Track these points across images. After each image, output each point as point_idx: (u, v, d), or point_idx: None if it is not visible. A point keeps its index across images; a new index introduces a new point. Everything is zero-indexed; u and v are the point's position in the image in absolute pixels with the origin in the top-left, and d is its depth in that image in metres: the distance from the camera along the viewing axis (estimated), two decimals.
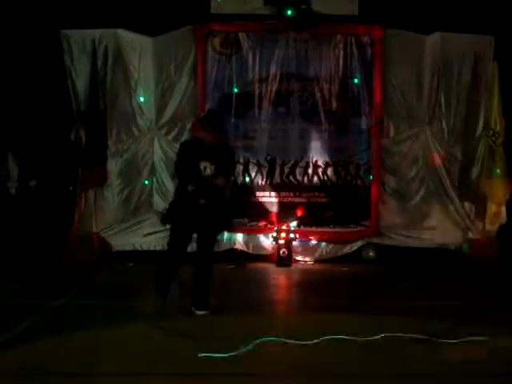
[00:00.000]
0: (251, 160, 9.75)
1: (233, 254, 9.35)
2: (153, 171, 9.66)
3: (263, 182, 9.78)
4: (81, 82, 9.40)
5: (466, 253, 9.41)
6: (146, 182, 9.68)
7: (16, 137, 9.15)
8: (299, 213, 9.64)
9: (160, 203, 9.36)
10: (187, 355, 4.57)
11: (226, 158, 5.99)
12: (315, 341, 4.89)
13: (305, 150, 9.76)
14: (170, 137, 9.60)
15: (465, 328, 5.31)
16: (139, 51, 9.61)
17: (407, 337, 5.04)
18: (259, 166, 9.75)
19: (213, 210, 5.79)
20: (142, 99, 9.66)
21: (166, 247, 6.20)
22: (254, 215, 9.65)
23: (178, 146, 6.73)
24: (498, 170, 9.32)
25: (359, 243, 9.62)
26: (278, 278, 8.54)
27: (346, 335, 5.01)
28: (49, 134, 9.25)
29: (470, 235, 9.59)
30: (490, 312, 6.07)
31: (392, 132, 9.74)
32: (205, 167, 5.81)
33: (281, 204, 9.72)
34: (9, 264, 8.16)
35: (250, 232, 9.63)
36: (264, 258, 9.49)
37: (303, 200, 9.75)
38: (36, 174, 9.28)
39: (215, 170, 5.82)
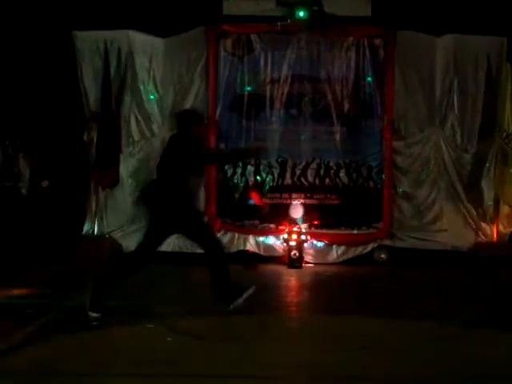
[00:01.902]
0: (262, 161, 9.74)
1: (244, 255, 9.34)
2: None
3: (274, 184, 9.77)
4: (93, 83, 9.45)
5: (479, 255, 9.34)
6: None
7: (28, 137, 9.17)
8: (310, 215, 9.63)
9: None
10: (198, 356, 4.55)
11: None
12: (323, 343, 4.87)
13: (316, 152, 9.74)
14: None
15: (475, 331, 5.29)
16: (151, 52, 9.64)
17: (417, 339, 5.01)
18: (270, 167, 9.75)
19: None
20: (153, 100, 9.68)
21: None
22: (264, 217, 9.64)
23: None
24: None
25: (371, 245, 9.59)
26: (289, 279, 8.50)
27: (355, 337, 4.99)
28: (61, 134, 9.29)
29: (483, 237, 9.54)
30: (500, 316, 6.01)
31: (404, 134, 9.71)
32: None
33: (292, 206, 9.71)
34: (20, 264, 8.17)
35: (261, 234, 9.61)
36: (275, 259, 9.46)
37: (314, 202, 9.74)
38: (48, 175, 9.29)
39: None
